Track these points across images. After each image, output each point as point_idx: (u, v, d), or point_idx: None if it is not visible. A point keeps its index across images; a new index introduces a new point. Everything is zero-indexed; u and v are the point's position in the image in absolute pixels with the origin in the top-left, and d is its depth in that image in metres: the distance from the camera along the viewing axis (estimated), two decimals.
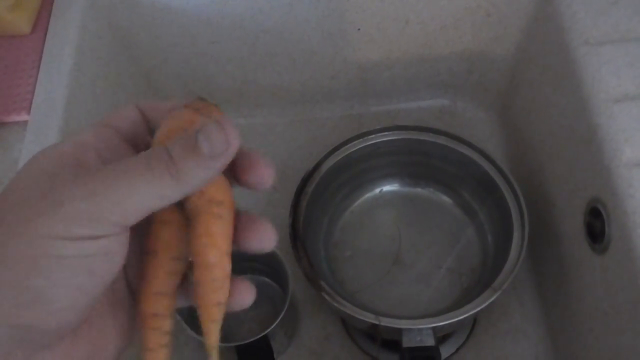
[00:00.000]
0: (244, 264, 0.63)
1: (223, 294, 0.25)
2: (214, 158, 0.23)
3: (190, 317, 0.57)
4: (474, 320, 0.61)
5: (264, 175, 0.26)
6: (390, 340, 0.56)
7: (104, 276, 0.23)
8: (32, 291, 0.21)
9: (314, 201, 0.59)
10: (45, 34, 0.54)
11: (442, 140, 0.62)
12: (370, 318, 0.51)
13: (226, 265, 0.25)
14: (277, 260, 0.58)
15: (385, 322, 0.51)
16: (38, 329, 0.22)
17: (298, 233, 0.57)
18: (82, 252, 0.22)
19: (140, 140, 0.27)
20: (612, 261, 0.46)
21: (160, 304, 0.26)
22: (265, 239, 0.27)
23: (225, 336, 0.61)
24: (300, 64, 0.69)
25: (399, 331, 0.51)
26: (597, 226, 0.48)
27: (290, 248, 0.56)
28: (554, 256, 0.58)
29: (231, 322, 0.62)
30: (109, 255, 0.23)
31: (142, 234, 0.26)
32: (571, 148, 0.53)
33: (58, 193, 0.22)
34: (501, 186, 0.58)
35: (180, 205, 0.25)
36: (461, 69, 0.71)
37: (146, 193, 0.22)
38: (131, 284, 0.27)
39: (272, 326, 0.54)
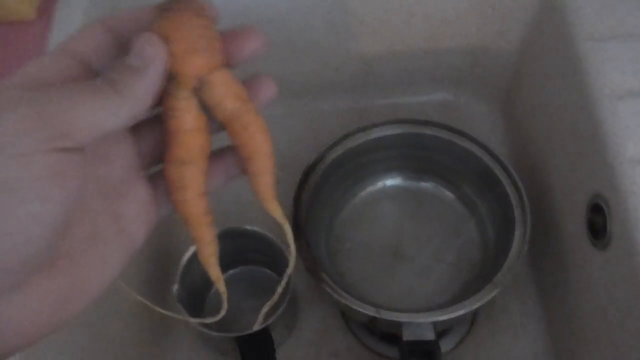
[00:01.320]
0: (245, 254, 0.63)
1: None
2: (146, 67, 0.24)
3: (191, 307, 0.57)
4: (474, 315, 0.62)
5: (253, 41, 0.27)
6: (390, 334, 0.56)
7: (58, 203, 0.21)
8: None
9: (316, 194, 0.59)
10: (50, 20, 0.54)
11: (444, 134, 0.61)
12: (370, 311, 0.51)
13: None
14: (278, 252, 0.58)
15: (385, 315, 0.51)
16: None
17: (300, 225, 0.57)
18: (28, 173, 0.20)
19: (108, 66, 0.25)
20: (613, 258, 0.46)
21: (205, 203, 0.27)
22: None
23: (225, 327, 0.61)
24: (303, 55, 0.69)
25: (399, 324, 0.52)
26: (598, 222, 0.48)
27: None
28: (555, 252, 0.58)
29: (231, 313, 0.62)
30: (60, 177, 0.21)
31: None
32: (574, 144, 0.53)
33: (1, 105, 0.21)
34: (503, 181, 0.58)
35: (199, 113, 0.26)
36: (465, 63, 0.71)
37: (94, 106, 0.22)
38: (119, 214, 0.26)
39: (273, 317, 0.54)
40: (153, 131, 0.28)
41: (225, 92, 0.26)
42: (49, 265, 0.23)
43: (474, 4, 0.63)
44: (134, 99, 0.23)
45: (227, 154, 0.29)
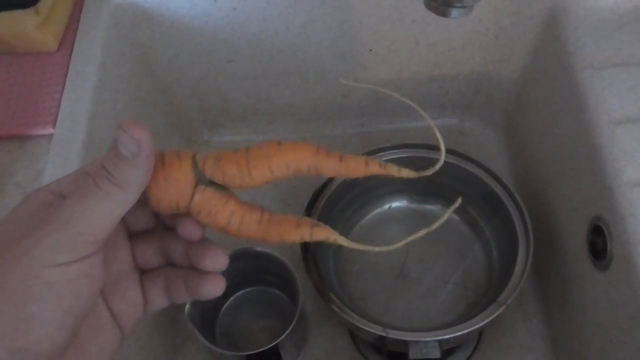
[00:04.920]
0: (256, 275, 0.64)
1: None
2: (136, 156, 0.27)
3: (203, 326, 0.59)
4: (480, 334, 0.63)
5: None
6: (397, 353, 0.58)
7: (87, 297, 0.27)
8: (29, 317, 0.25)
9: (324, 216, 0.61)
10: (71, 52, 0.56)
11: (450, 158, 0.63)
12: (377, 330, 0.53)
13: None
14: (288, 272, 0.60)
15: (392, 334, 0.53)
16: (33, 351, 0.25)
17: (309, 247, 0.58)
18: (66, 277, 0.26)
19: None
20: (614, 278, 0.48)
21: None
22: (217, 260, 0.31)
23: (235, 345, 0.63)
24: (313, 82, 0.71)
25: (406, 343, 0.53)
26: (599, 244, 0.50)
27: (301, 261, 0.57)
28: (558, 272, 0.59)
29: (242, 332, 0.64)
30: (89, 277, 0.27)
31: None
32: (575, 168, 0.55)
33: (38, 230, 0.26)
34: (507, 204, 0.60)
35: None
36: (469, 89, 0.73)
37: (106, 207, 0.27)
38: (112, 309, 0.30)
39: (282, 336, 0.56)
40: (149, 242, 0.32)
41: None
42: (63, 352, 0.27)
43: (478, 33, 0.65)
44: (135, 184, 0.27)
45: (189, 275, 0.32)
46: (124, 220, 0.31)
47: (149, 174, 0.28)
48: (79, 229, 0.26)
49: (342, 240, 0.31)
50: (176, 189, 0.29)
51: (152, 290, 0.32)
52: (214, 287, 0.31)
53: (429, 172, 0.30)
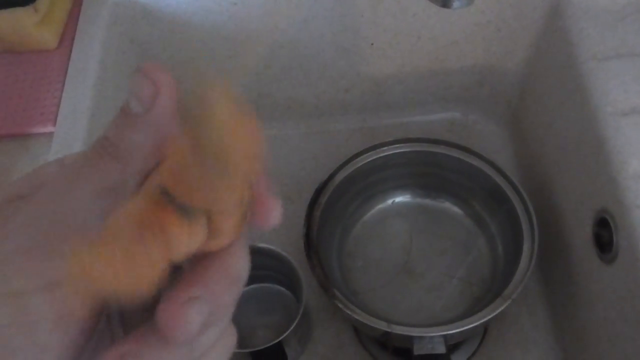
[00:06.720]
0: (259, 272, 0.64)
1: None
2: (147, 112, 0.18)
3: None
4: (485, 329, 0.62)
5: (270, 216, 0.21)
6: (402, 348, 0.57)
7: (56, 353, 0.16)
8: None
9: (327, 212, 0.61)
10: (71, 49, 0.56)
11: (453, 152, 0.63)
12: (382, 326, 0.53)
13: None
14: (291, 269, 0.59)
15: (396, 329, 0.52)
16: None
17: (312, 243, 0.58)
18: (26, 318, 0.16)
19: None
20: (620, 271, 0.47)
21: None
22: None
23: (240, 342, 0.62)
24: (315, 78, 0.71)
25: (411, 339, 0.53)
26: (605, 236, 0.49)
27: (304, 257, 0.57)
28: (564, 266, 0.59)
29: (246, 329, 0.63)
30: (63, 322, 0.16)
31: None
32: (580, 160, 0.54)
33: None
34: (511, 197, 0.59)
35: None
36: (472, 82, 0.72)
37: (93, 189, 0.18)
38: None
39: (286, 333, 0.55)
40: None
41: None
42: None
43: (480, 26, 0.65)
44: (135, 159, 0.19)
45: None
46: None
47: (156, 142, 0.18)
48: (52, 221, 0.17)
49: None
50: None
51: None
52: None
53: None
